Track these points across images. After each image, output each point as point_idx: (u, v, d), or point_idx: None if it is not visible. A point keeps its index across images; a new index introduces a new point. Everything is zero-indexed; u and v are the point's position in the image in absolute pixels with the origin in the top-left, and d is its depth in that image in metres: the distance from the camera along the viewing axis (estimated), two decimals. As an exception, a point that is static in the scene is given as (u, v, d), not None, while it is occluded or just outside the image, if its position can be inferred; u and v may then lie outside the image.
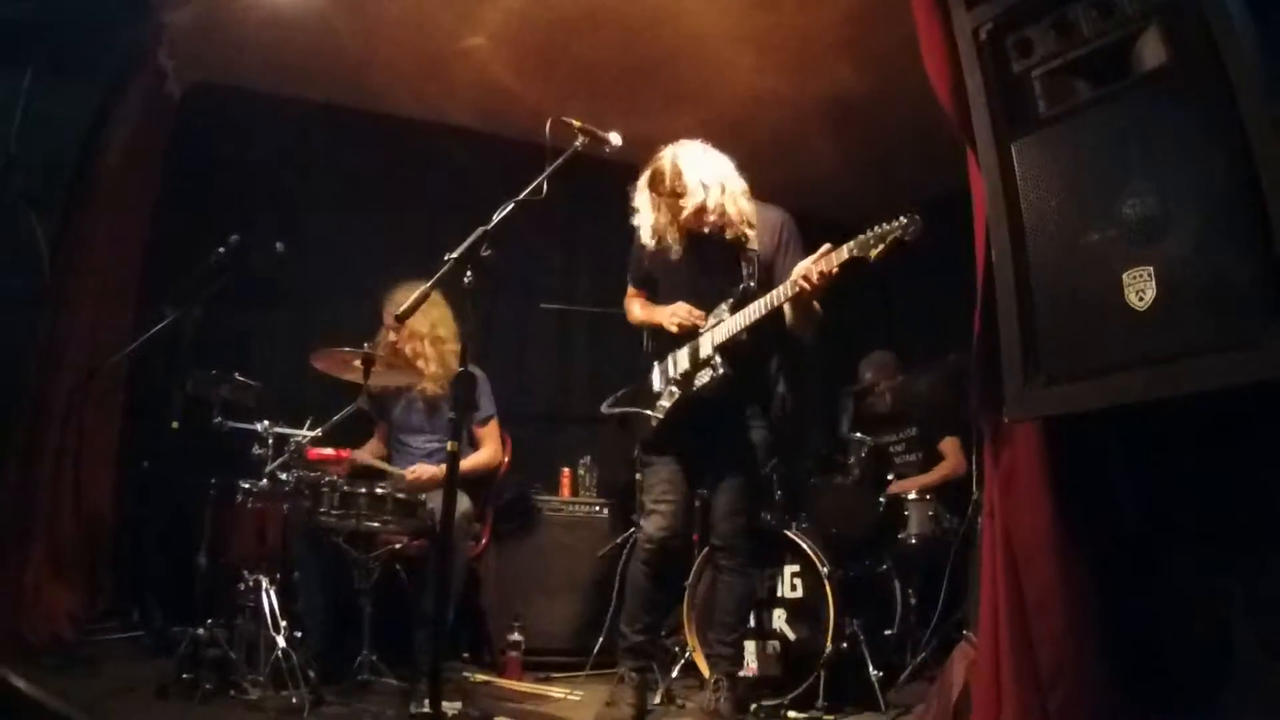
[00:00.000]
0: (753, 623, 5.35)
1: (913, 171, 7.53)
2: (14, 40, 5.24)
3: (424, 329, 5.77)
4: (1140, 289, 2.68)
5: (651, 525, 4.75)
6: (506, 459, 6.14)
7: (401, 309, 3.93)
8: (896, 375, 7.03)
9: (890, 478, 6.20)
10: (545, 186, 3.95)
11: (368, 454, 5.87)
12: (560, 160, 4.05)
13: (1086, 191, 2.89)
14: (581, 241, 5.59)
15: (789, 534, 5.35)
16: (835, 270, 4.25)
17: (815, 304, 4.51)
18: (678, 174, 4.67)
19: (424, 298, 3.85)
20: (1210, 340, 2.52)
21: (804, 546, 5.23)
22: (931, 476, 6.62)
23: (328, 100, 7.56)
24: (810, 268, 4.29)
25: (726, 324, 4.60)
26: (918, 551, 5.96)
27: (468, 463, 5.72)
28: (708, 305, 4.75)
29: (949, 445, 6.75)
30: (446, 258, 3.69)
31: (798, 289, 4.32)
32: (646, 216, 4.82)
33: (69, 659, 4.83)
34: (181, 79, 6.84)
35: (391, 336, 5.72)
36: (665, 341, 4.89)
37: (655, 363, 4.94)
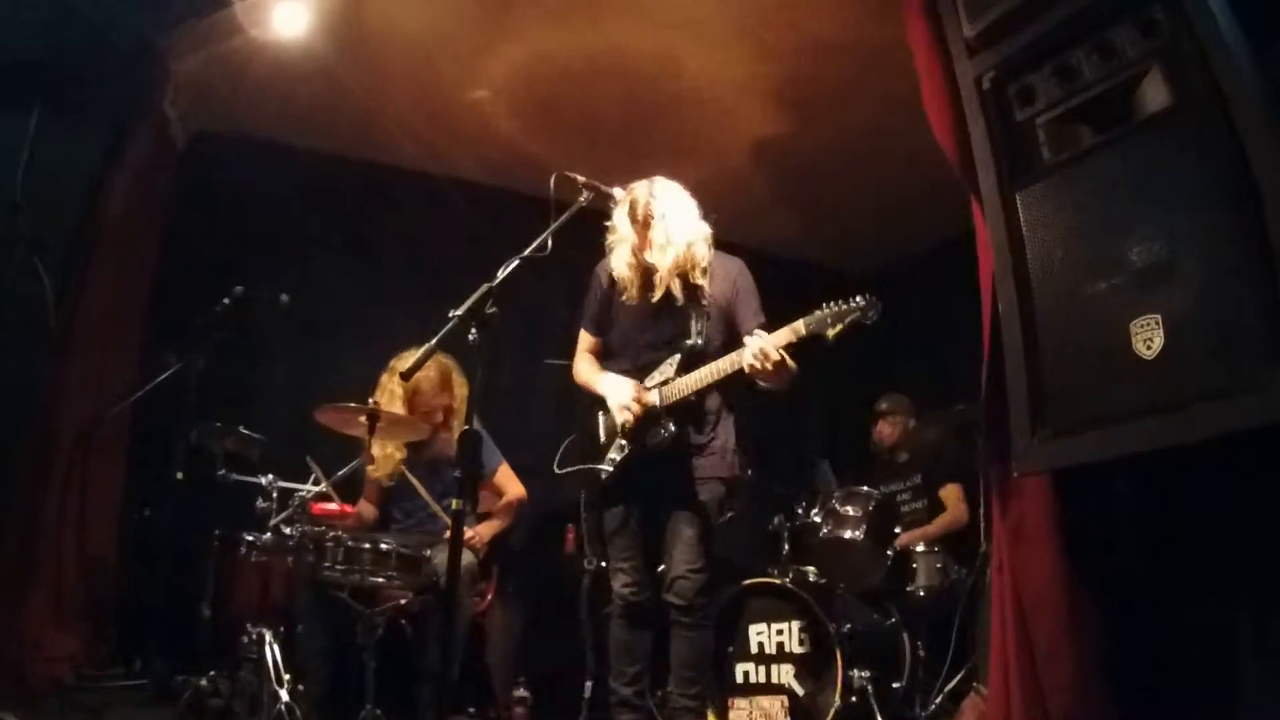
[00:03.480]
0: (761, 678, 5.31)
1: (920, 218, 7.54)
2: (20, 85, 5.28)
3: (427, 387, 5.78)
4: (1148, 338, 2.67)
5: (618, 584, 4.74)
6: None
7: (406, 366, 3.88)
8: (910, 416, 7.04)
9: (897, 530, 6.15)
10: (550, 242, 3.93)
11: (361, 516, 5.87)
12: (565, 216, 4.03)
13: (1092, 239, 2.88)
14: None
15: (796, 589, 5.31)
16: (792, 347, 4.25)
17: (788, 362, 4.50)
18: (650, 213, 4.65)
19: (428, 355, 3.80)
20: (1218, 386, 2.51)
21: (811, 601, 5.19)
22: (933, 528, 6.59)
23: (332, 151, 7.58)
24: (766, 345, 4.26)
25: (676, 384, 4.58)
26: (926, 604, 5.93)
27: (505, 508, 6.01)
28: (659, 355, 4.73)
29: (950, 493, 6.73)
30: (451, 315, 3.65)
31: (750, 366, 4.30)
32: (620, 251, 4.80)
33: (71, 705, 4.81)
34: (186, 127, 6.88)
35: (396, 392, 5.71)
36: None
37: (601, 413, 4.90)
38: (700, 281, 4.72)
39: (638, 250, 4.69)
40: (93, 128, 5.57)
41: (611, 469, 4.72)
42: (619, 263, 4.78)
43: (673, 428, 4.53)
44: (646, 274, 4.73)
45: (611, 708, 4.81)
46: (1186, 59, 2.68)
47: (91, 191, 5.58)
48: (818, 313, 4.17)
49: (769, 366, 4.21)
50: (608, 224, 4.77)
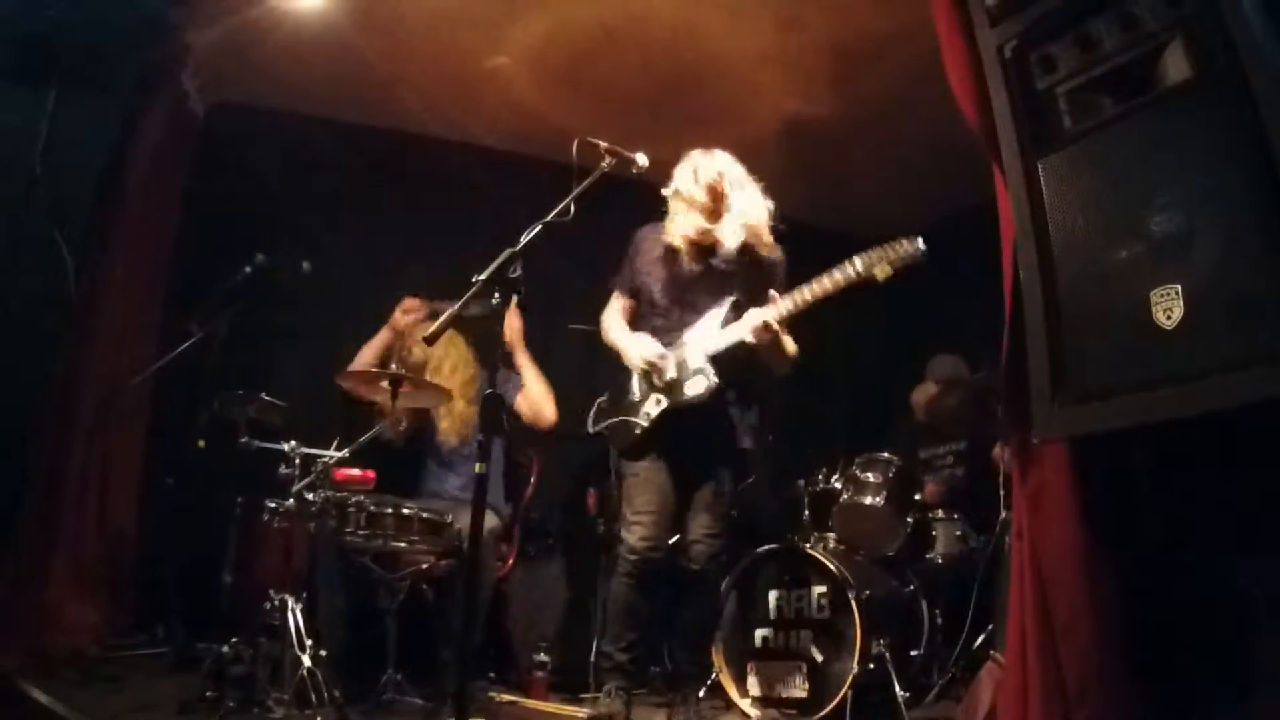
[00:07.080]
0: (779, 643, 5.33)
1: (941, 186, 7.51)
2: (38, 60, 5.30)
3: (438, 354, 5.83)
4: (1168, 307, 2.66)
5: (634, 537, 4.77)
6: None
7: (429, 332, 3.88)
8: (966, 377, 7.04)
9: (918, 497, 6.13)
10: (572, 208, 3.92)
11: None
12: (587, 182, 4.02)
13: (1113, 209, 2.87)
14: (608, 263, 5.57)
15: (816, 554, 5.31)
16: (839, 288, 4.36)
17: (788, 343, 4.65)
18: (723, 189, 4.74)
19: (452, 320, 3.81)
20: (1237, 356, 2.50)
21: (831, 567, 5.20)
22: None
23: (351, 120, 7.61)
24: (813, 285, 4.41)
25: (720, 335, 4.66)
26: (945, 571, 5.94)
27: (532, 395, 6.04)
28: (699, 318, 4.82)
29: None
30: (474, 279, 3.66)
31: (800, 304, 4.45)
32: (688, 217, 4.81)
33: (92, 674, 4.87)
34: (204, 99, 6.91)
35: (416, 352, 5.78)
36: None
37: (633, 371, 4.97)
38: (763, 255, 4.77)
39: (707, 217, 4.73)
40: (110, 102, 5.62)
41: (646, 424, 4.75)
42: (683, 228, 4.79)
43: (715, 378, 4.57)
44: (706, 243, 4.76)
45: (602, 672, 4.85)
46: (1208, 31, 2.66)
47: (110, 164, 5.63)
48: (870, 252, 4.22)
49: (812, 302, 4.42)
50: (667, 191, 4.83)
